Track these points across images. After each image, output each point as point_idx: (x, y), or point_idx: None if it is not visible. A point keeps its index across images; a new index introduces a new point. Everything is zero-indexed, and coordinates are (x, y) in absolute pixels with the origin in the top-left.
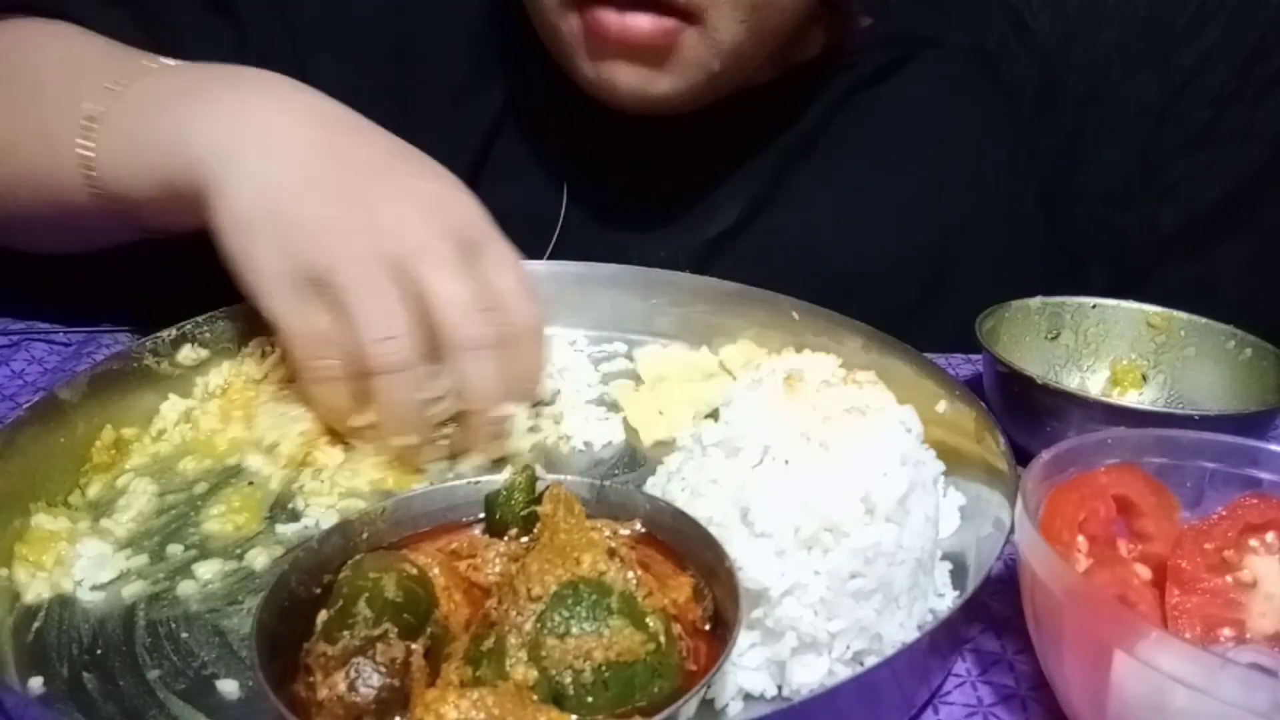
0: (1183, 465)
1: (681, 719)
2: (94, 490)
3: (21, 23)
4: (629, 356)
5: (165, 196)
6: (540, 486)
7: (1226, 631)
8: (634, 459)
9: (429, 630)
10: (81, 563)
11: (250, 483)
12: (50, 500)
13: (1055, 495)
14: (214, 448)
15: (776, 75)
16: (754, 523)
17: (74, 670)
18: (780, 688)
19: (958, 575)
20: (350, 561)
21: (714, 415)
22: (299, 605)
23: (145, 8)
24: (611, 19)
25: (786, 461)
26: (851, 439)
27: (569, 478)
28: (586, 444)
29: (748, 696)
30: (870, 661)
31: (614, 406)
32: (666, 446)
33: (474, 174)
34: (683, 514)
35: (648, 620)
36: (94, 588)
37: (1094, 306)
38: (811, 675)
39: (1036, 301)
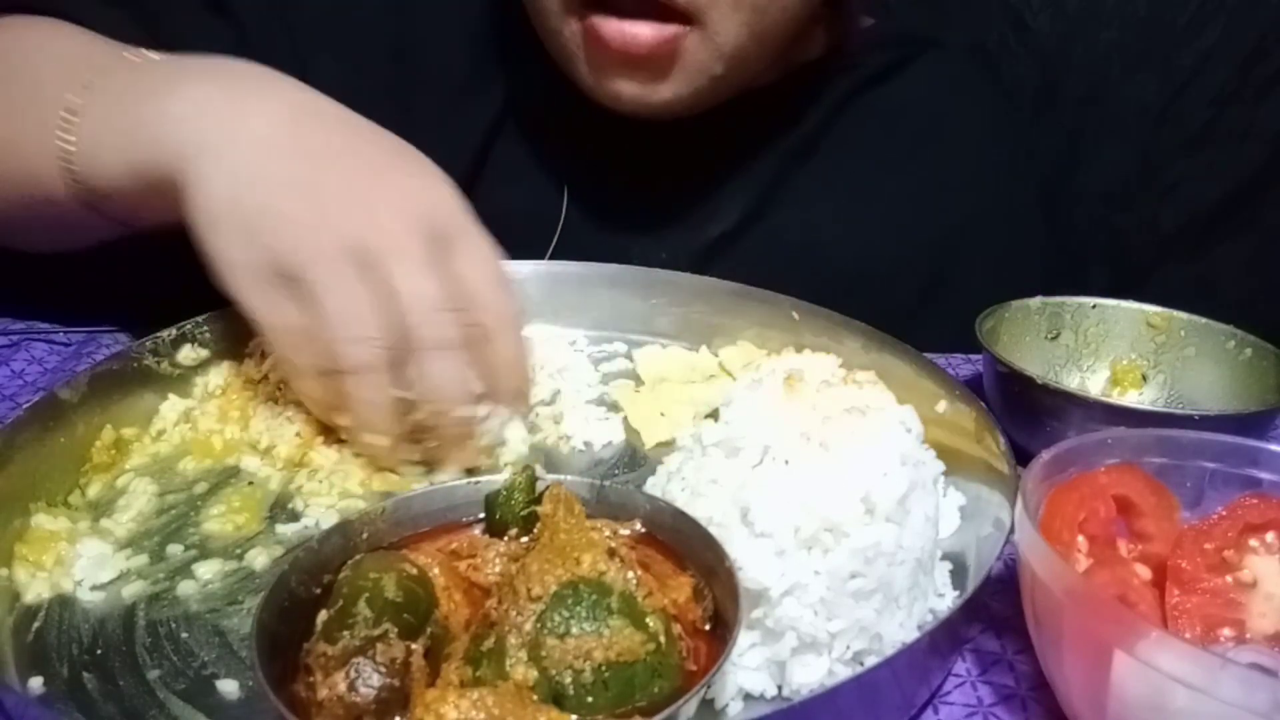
0: (1183, 465)
1: (681, 719)
2: (94, 490)
3: (21, 21)
4: (629, 357)
5: (142, 189)
6: (540, 486)
7: (1226, 631)
8: (634, 459)
9: (429, 630)
10: (81, 563)
11: (250, 483)
12: (50, 500)
13: (1055, 495)
14: (213, 448)
15: (778, 77)
16: (754, 523)
17: (74, 670)
18: (780, 688)
19: (958, 575)
20: (350, 561)
21: (714, 415)
22: (299, 605)
23: (145, 8)
24: (612, 28)
25: (786, 461)
26: (851, 439)
27: (569, 478)
28: (586, 444)
29: (748, 696)
30: (870, 661)
31: (614, 406)
32: (667, 447)
33: (474, 174)
34: (683, 514)
35: (648, 620)
36: (94, 588)
37: (1094, 306)
38: (811, 675)
39: (1036, 301)
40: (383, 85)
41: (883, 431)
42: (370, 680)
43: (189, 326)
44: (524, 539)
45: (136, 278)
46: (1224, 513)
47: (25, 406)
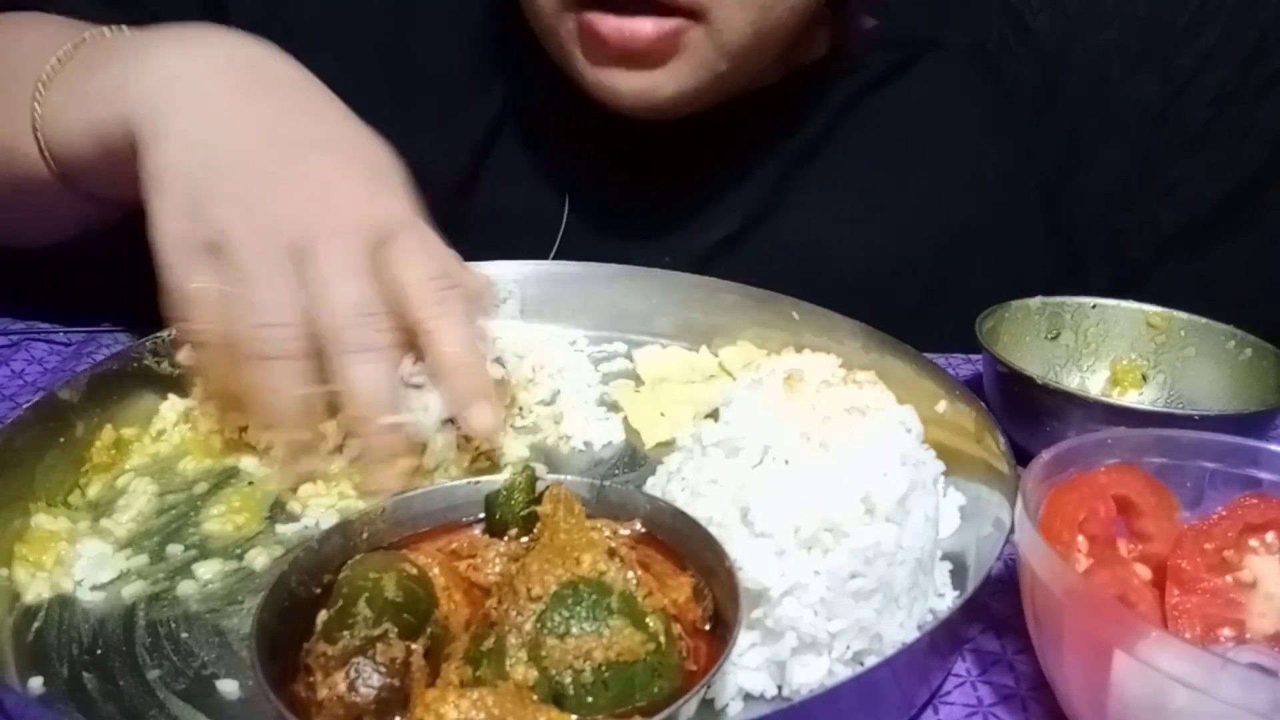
0: (1183, 465)
1: (681, 719)
2: (94, 490)
3: (19, 17)
4: (629, 357)
5: (101, 154)
6: (540, 486)
7: (1226, 631)
8: (634, 459)
9: (429, 630)
10: (81, 563)
11: (250, 483)
12: (50, 500)
13: (1055, 495)
14: (212, 448)
15: (780, 78)
16: (754, 523)
17: (74, 670)
18: (780, 688)
19: (958, 575)
20: (350, 561)
21: (714, 415)
22: (299, 605)
23: (143, 9)
24: (609, 25)
25: (786, 461)
26: (851, 439)
27: (569, 478)
28: (586, 444)
29: (748, 696)
30: (870, 661)
31: (614, 406)
32: (667, 447)
33: (473, 175)
34: (683, 514)
35: (648, 620)
36: (94, 588)
37: (1094, 306)
38: (811, 675)
39: (1036, 301)
40: (382, 85)
41: (883, 431)
42: (370, 680)
43: None
44: (524, 539)
45: (136, 278)
46: (1224, 513)
47: (25, 406)
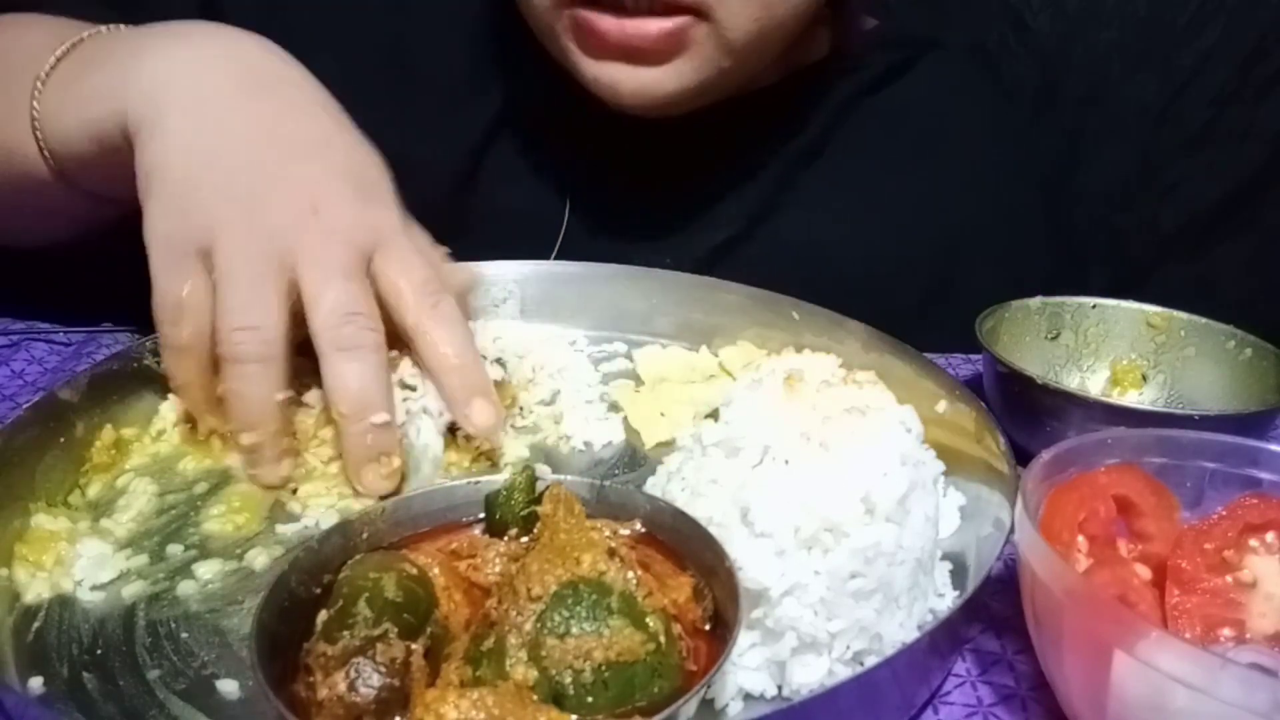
0: (1183, 465)
1: (681, 719)
2: (94, 490)
3: (20, 18)
4: (629, 357)
5: (102, 152)
6: (540, 486)
7: (1226, 631)
8: (634, 459)
9: (429, 630)
10: (81, 563)
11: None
12: (50, 500)
13: (1055, 495)
14: (211, 448)
15: (780, 78)
16: (754, 523)
17: (74, 670)
18: (780, 688)
19: (958, 575)
20: (350, 561)
21: (714, 415)
22: (299, 605)
23: (143, 7)
24: (608, 23)
25: (786, 461)
26: (851, 439)
27: (569, 478)
28: (586, 444)
29: (748, 696)
30: (870, 661)
31: (614, 406)
32: (667, 447)
33: (473, 175)
34: (683, 514)
35: (648, 620)
36: (94, 588)
37: (1094, 306)
38: (811, 675)
39: (1036, 301)
40: (381, 85)
41: (883, 431)
42: (370, 680)
43: None
44: (524, 539)
45: (136, 278)
46: (1224, 513)
47: (25, 406)
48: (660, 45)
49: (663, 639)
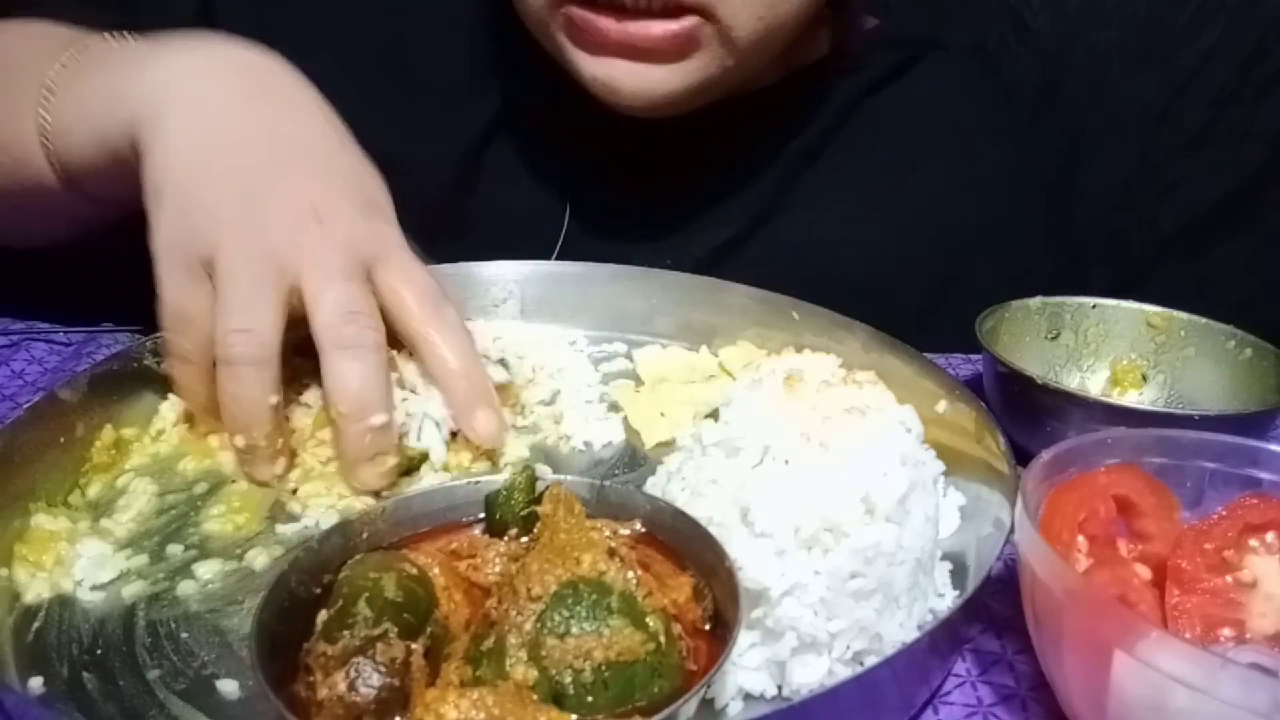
0: (1183, 465)
1: (681, 719)
2: (94, 490)
3: (18, 25)
4: (629, 357)
5: (109, 160)
6: (540, 486)
7: (1226, 631)
8: (634, 459)
9: (429, 630)
10: (81, 563)
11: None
12: (50, 500)
13: (1055, 495)
14: (210, 449)
15: (780, 77)
16: (754, 523)
17: (74, 670)
18: (780, 688)
19: (958, 575)
20: (350, 561)
21: (714, 415)
22: (299, 605)
23: (138, 10)
24: (608, 24)
25: (786, 461)
26: (851, 439)
27: (569, 478)
28: (586, 444)
29: (748, 696)
30: (870, 661)
31: (614, 406)
32: (667, 447)
33: (472, 176)
34: (683, 514)
35: (648, 620)
36: (94, 588)
37: (1094, 306)
38: (811, 675)
39: (1036, 301)
40: (380, 85)
41: (883, 431)
42: (370, 680)
43: None
44: (524, 539)
45: (136, 278)
46: (1224, 513)
47: (25, 406)
48: (666, 46)
49: (663, 639)
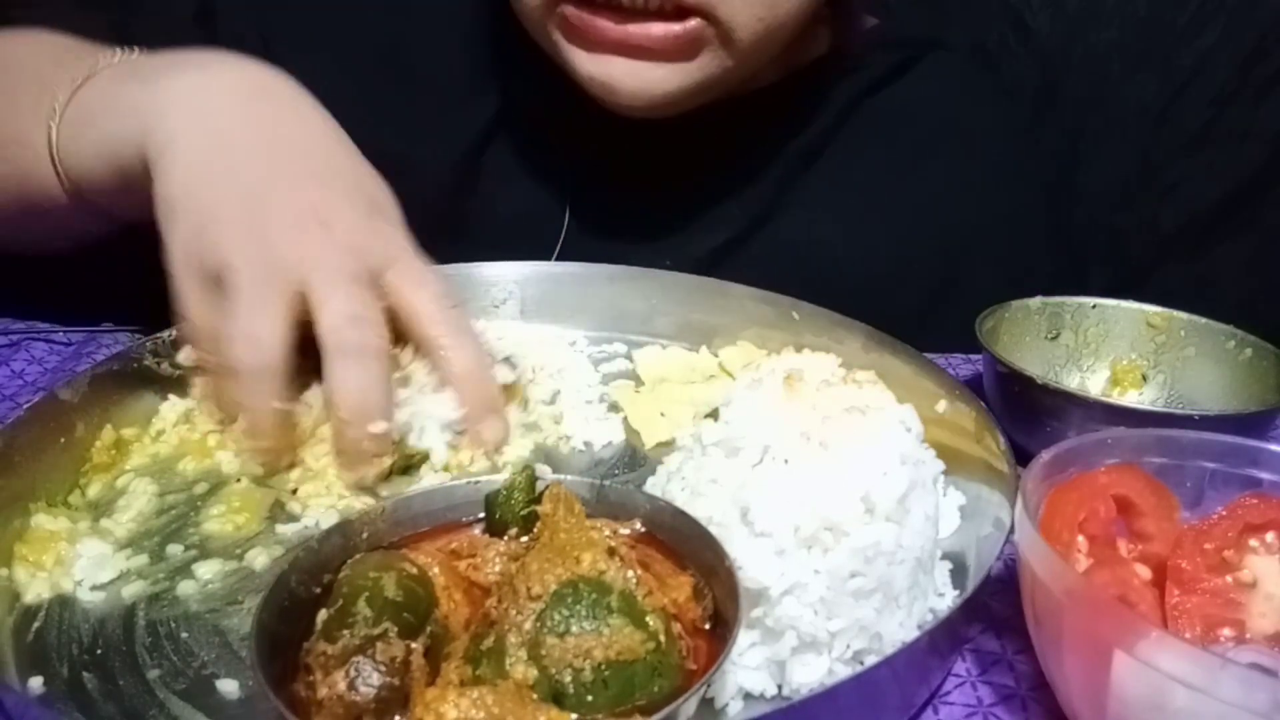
0: (1183, 465)
1: (681, 718)
2: (94, 490)
3: (11, 33)
4: (629, 357)
5: (121, 180)
6: (540, 486)
7: (1226, 631)
8: (634, 459)
9: (429, 629)
10: (81, 563)
11: (238, 480)
12: (50, 500)
13: (1055, 495)
14: (209, 449)
15: (779, 77)
16: (754, 522)
17: (74, 670)
18: (780, 687)
19: (958, 575)
20: (350, 561)
21: (714, 415)
22: (299, 605)
23: (137, 10)
24: (605, 25)
25: (786, 461)
26: (851, 439)
27: (569, 478)
28: (586, 444)
29: (748, 696)
30: (870, 661)
31: (614, 407)
32: (667, 447)
33: (471, 177)
34: (683, 514)
35: (647, 619)
36: (94, 588)
37: (1094, 306)
38: (811, 674)
39: (1036, 301)
40: (380, 86)
41: (883, 431)
42: (370, 679)
43: None
44: (524, 538)
45: (136, 278)
46: (1224, 513)
47: (25, 406)
48: (667, 46)
49: (662, 638)
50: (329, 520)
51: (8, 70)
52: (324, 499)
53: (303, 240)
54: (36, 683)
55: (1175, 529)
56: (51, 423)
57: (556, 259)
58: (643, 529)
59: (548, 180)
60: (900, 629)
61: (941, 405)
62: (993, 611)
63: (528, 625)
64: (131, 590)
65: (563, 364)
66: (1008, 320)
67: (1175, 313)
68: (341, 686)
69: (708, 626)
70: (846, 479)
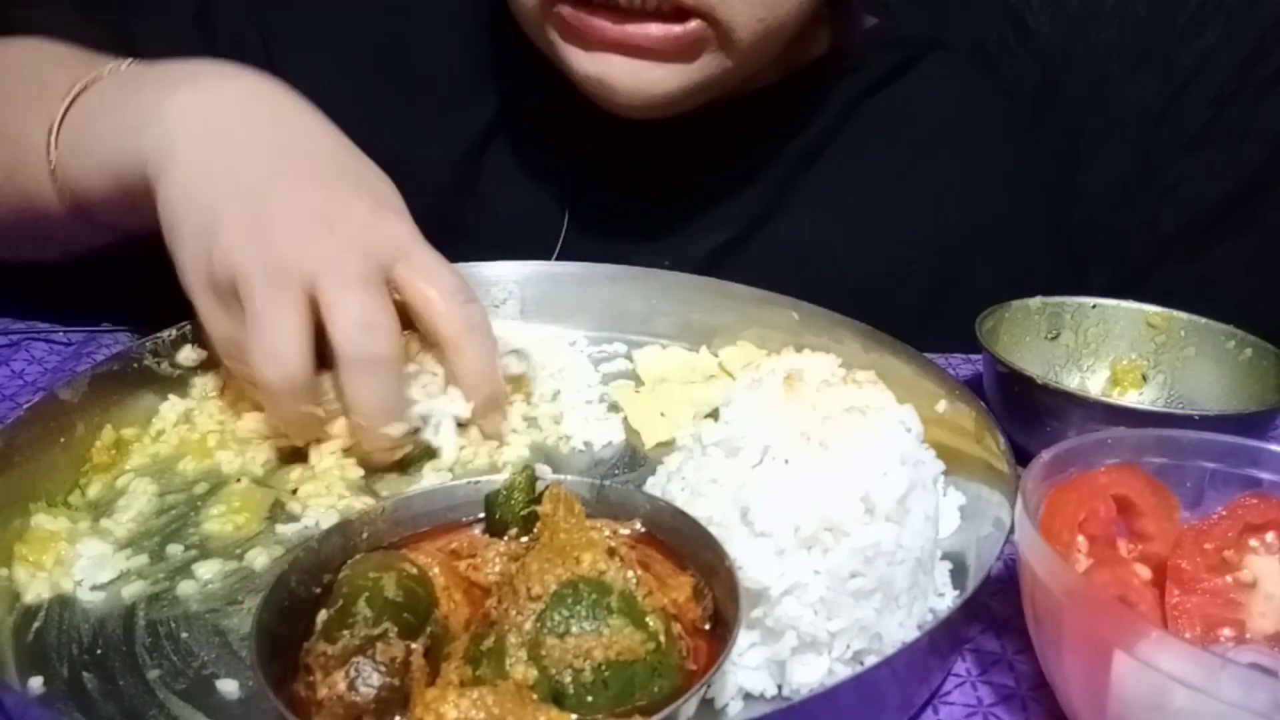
0: (1183, 465)
1: (681, 718)
2: (94, 490)
3: (7, 42)
4: (629, 357)
5: (121, 194)
6: (540, 486)
7: (1226, 631)
8: (634, 459)
9: (429, 630)
10: (81, 563)
11: (239, 480)
12: (50, 500)
13: (1055, 495)
14: (209, 449)
15: (779, 77)
16: (754, 522)
17: (74, 670)
18: (780, 687)
19: (958, 575)
20: (350, 561)
21: (714, 415)
22: (299, 605)
23: (129, 20)
24: (602, 24)
25: (786, 461)
26: (851, 439)
27: (569, 478)
28: (586, 444)
29: (748, 696)
30: (870, 661)
31: (614, 407)
32: (667, 447)
33: (471, 178)
34: (683, 514)
35: (648, 620)
36: (94, 588)
37: (1094, 306)
38: (811, 675)
39: (1036, 301)
40: (379, 87)
41: (883, 431)
42: (370, 680)
43: (189, 326)
44: (524, 539)
45: (136, 278)
46: (1224, 513)
47: (25, 406)
48: (666, 46)
49: (663, 638)
50: (329, 520)
51: (8, 83)
52: (324, 499)
53: (308, 241)
54: (36, 683)
55: (1175, 529)
56: (51, 423)
57: (556, 260)
58: (643, 529)
59: (547, 181)
60: (900, 629)
61: (941, 405)
62: (993, 611)
63: (528, 625)
64: (131, 590)
65: (563, 364)
66: (1008, 320)
67: (1175, 313)
68: (341, 687)
69: (708, 627)
70: (846, 479)
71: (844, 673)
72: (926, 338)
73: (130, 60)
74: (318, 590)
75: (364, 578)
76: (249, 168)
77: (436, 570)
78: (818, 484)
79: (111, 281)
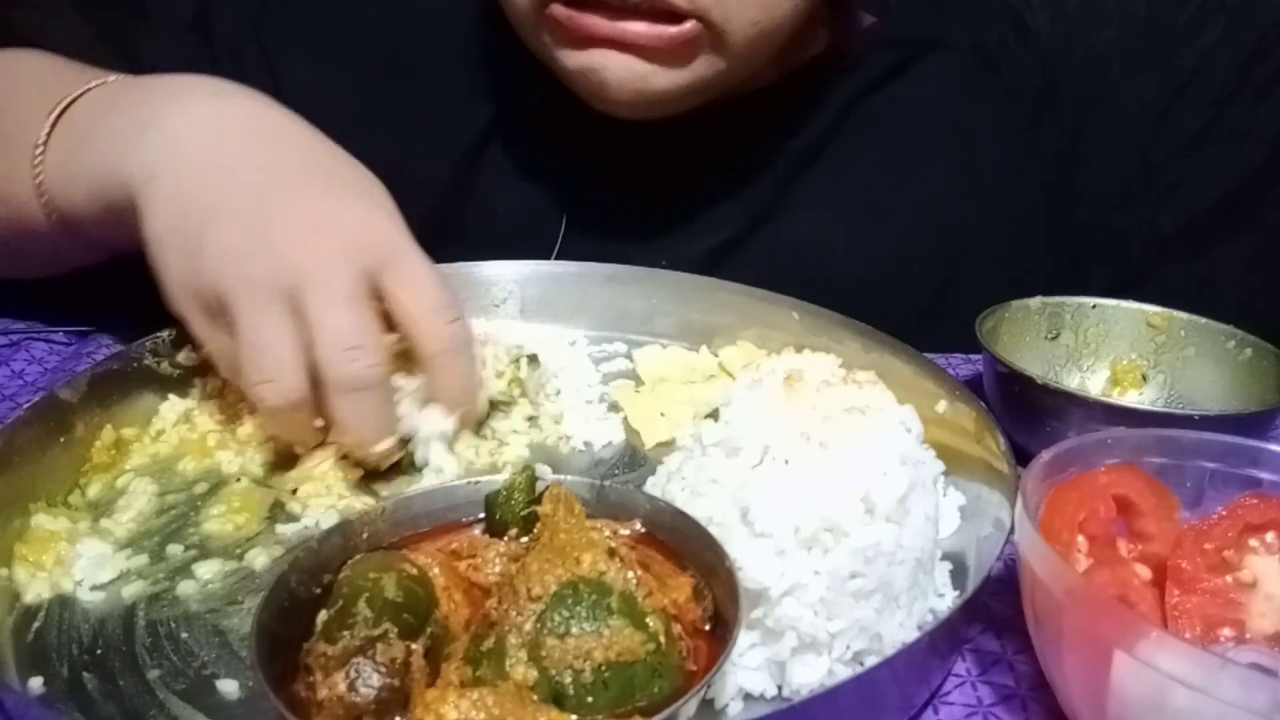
0: (1183, 465)
1: (681, 719)
2: (94, 490)
3: (13, 57)
4: (629, 357)
5: (107, 214)
6: (540, 486)
7: (1226, 631)
8: (634, 459)
9: (429, 630)
10: (81, 563)
11: (239, 479)
12: (50, 500)
13: (1055, 495)
14: (209, 449)
15: (778, 77)
16: (754, 523)
17: (74, 670)
18: (780, 688)
19: (958, 575)
20: (350, 561)
21: (714, 415)
22: (299, 605)
23: (127, 23)
24: (594, 22)
25: (786, 461)
26: (851, 439)
27: (569, 478)
28: (586, 444)
29: (748, 696)
30: (870, 661)
31: (614, 406)
32: (667, 447)
33: (469, 180)
34: (683, 514)
35: (648, 620)
36: (94, 588)
37: (1094, 306)
38: (811, 675)
39: (1036, 301)
40: (378, 90)
41: (883, 431)
42: (370, 680)
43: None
44: (524, 539)
45: (136, 278)
46: (1224, 513)
47: (25, 406)
48: (662, 46)
49: (663, 639)
50: (329, 520)
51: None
52: (324, 499)
53: (295, 250)
54: (36, 683)
55: (1175, 529)
56: (51, 423)
57: (555, 260)
58: (643, 529)
59: (546, 181)
60: (900, 629)
61: (941, 405)
62: (993, 611)
63: (528, 626)
64: (131, 590)
65: (563, 364)
66: (1008, 320)
67: (1175, 313)
68: (341, 687)
69: (708, 627)
70: (846, 479)
71: (844, 673)
72: (926, 338)
73: (115, 76)
74: (318, 590)
75: (364, 578)
76: (234, 183)
77: (436, 571)
78: (818, 484)
79: (112, 281)
